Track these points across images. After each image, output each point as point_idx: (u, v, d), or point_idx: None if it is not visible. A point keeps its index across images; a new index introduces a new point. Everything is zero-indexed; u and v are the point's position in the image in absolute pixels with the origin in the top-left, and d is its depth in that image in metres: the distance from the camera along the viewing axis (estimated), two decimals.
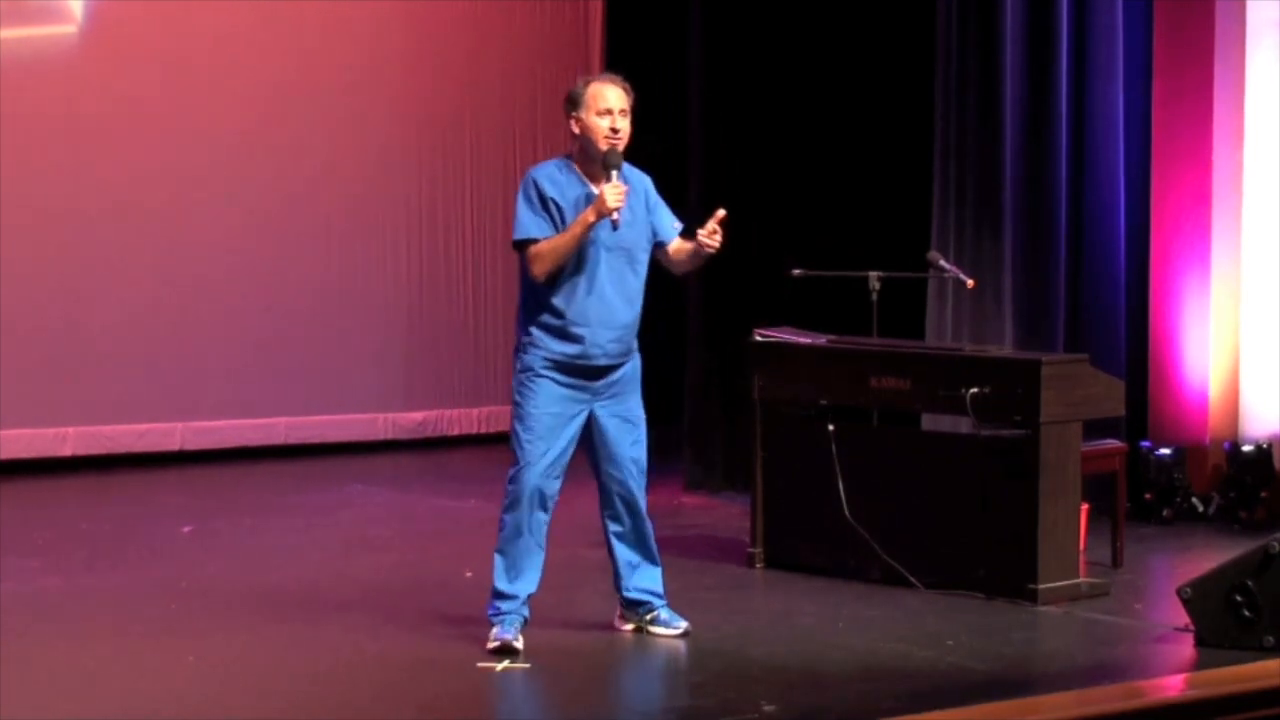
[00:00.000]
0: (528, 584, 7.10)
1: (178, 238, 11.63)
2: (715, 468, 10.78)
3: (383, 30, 12.30)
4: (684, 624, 7.33)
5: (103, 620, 7.64)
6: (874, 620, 7.65)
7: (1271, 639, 7.05)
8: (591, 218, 6.96)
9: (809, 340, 8.74)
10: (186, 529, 9.49)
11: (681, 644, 7.25)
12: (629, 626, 7.38)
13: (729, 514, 9.87)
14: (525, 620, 7.10)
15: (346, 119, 12.18)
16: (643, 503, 7.29)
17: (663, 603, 7.38)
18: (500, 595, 7.10)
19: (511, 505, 7.11)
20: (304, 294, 12.05)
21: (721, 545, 9.09)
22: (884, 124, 10.94)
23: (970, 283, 9.11)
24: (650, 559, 7.37)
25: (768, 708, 6.38)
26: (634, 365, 7.23)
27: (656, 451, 11.97)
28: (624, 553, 7.33)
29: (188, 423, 11.67)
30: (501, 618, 7.07)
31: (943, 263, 9.19)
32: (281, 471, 11.46)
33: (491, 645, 6.98)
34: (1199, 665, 7.08)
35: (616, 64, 12.97)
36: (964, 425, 8.45)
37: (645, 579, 7.37)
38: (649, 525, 7.35)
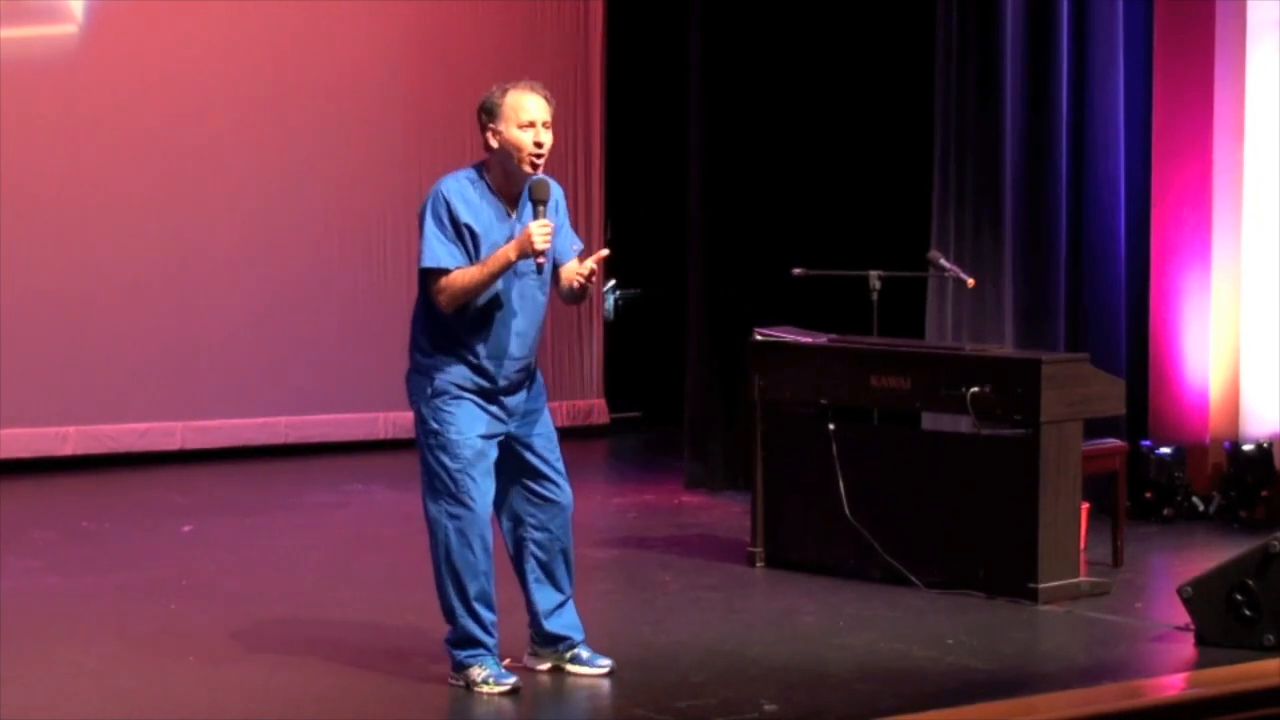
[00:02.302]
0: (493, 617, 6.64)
1: (178, 237, 11.63)
2: (715, 467, 10.77)
3: (383, 30, 12.30)
4: (607, 663, 6.81)
5: (103, 620, 7.64)
6: (874, 620, 7.65)
7: (1272, 638, 7.05)
8: (513, 256, 6.38)
9: (809, 340, 8.74)
10: (186, 529, 9.49)
11: (680, 644, 7.24)
12: (544, 665, 6.84)
13: (729, 514, 9.87)
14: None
15: (346, 119, 12.17)
16: (567, 515, 6.75)
17: (582, 638, 6.84)
18: (475, 642, 6.61)
19: (453, 548, 6.56)
20: (304, 293, 12.04)
21: (721, 545, 9.09)
22: (884, 124, 10.94)
23: (970, 282, 9.11)
24: (570, 590, 6.81)
25: (768, 708, 6.38)
26: (540, 377, 6.78)
27: (657, 451, 12.13)
28: (547, 585, 6.77)
29: (188, 422, 11.66)
30: (483, 657, 6.61)
31: (943, 262, 9.19)
32: (281, 471, 11.46)
33: (501, 688, 6.58)
34: (1199, 665, 7.08)
35: (616, 64, 13.04)
36: (964, 425, 8.46)
37: (569, 611, 6.82)
38: (573, 552, 6.81)
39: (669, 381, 11.85)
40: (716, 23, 10.87)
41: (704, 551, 9.00)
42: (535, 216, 6.46)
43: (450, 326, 6.55)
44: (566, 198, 6.86)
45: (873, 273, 8.90)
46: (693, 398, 10.91)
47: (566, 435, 12.65)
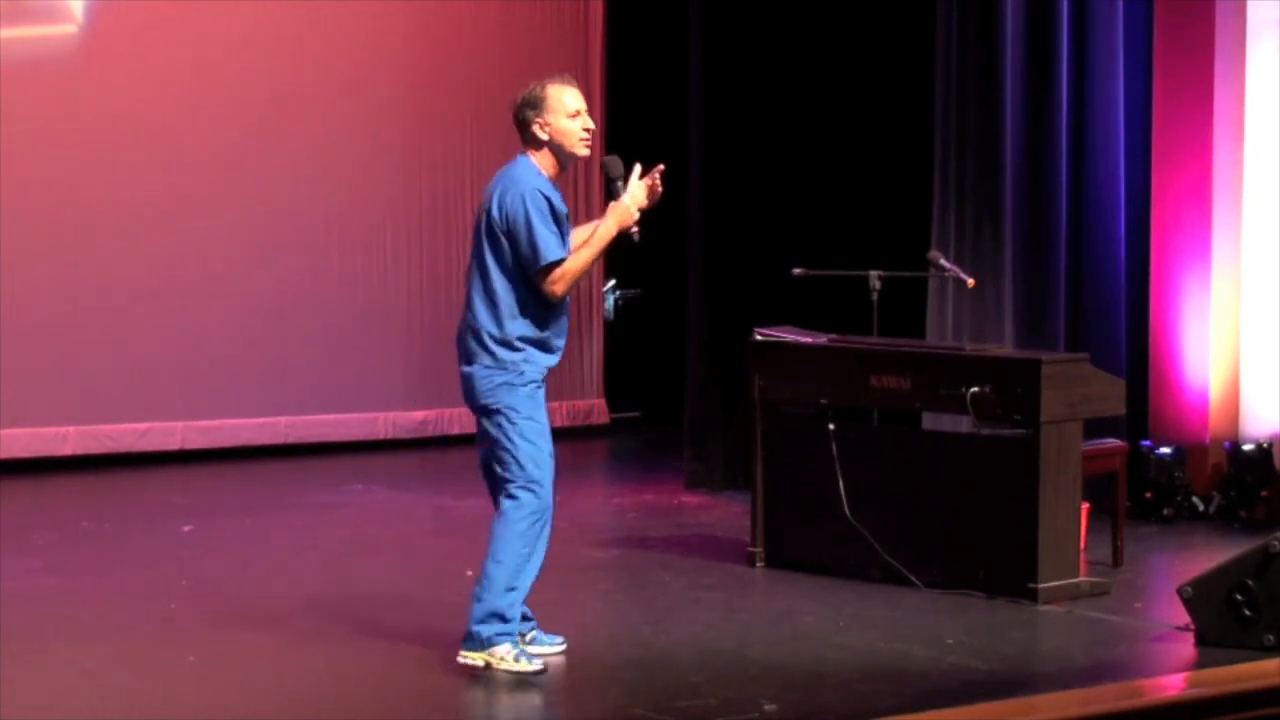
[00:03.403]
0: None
1: (178, 237, 11.63)
2: (715, 467, 10.77)
3: (383, 30, 12.30)
4: (561, 641, 7.08)
5: (103, 620, 7.64)
6: (874, 619, 7.65)
7: (1272, 638, 7.05)
8: (615, 230, 6.81)
9: (809, 339, 8.74)
10: (186, 529, 9.49)
11: (680, 644, 7.24)
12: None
13: (729, 513, 9.87)
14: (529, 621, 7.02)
15: (346, 118, 12.18)
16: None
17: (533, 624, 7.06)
18: (507, 621, 6.85)
19: (531, 526, 6.81)
20: (304, 293, 12.05)
21: (721, 545, 9.09)
22: (884, 124, 10.94)
23: (970, 282, 9.11)
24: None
25: (768, 707, 6.38)
26: None
27: (656, 451, 12.12)
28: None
29: (188, 422, 11.67)
30: (511, 638, 6.85)
31: (943, 262, 9.19)
32: (281, 471, 11.46)
33: (533, 670, 6.79)
34: (1199, 665, 7.08)
35: (617, 64, 13.05)
36: (964, 425, 8.46)
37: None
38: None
39: (669, 381, 11.85)
40: (716, 23, 10.87)
41: (704, 551, 9.00)
42: (614, 193, 6.85)
43: (537, 317, 6.81)
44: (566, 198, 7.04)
45: (873, 273, 8.90)
46: (692, 398, 10.91)
47: (567, 435, 12.77)
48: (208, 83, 11.70)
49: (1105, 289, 10.03)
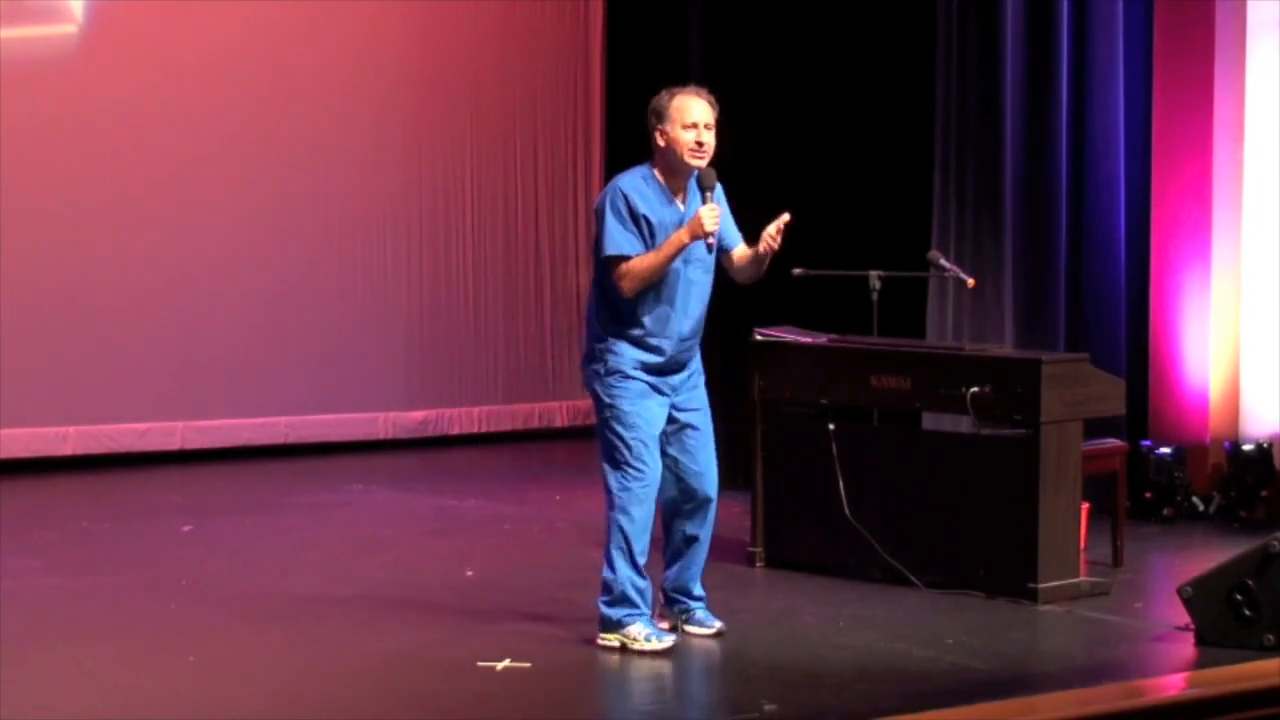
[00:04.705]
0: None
1: (178, 237, 11.63)
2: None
3: (383, 30, 12.30)
4: (717, 624, 7.34)
5: (103, 620, 7.64)
6: (874, 619, 7.65)
7: (1272, 638, 7.05)
8: (686, 239, 6.98)
9: (809, 339, 8.74)
10: (186, 529, 9.49)
11: (681, 643, 7.25)
12: (665, 625, 7.34)
13: (729, 513, 9.82)
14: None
15: (346, 118, 12.17)
16: (711, 500, 7.30)
17: (700, 603, 7.37)
18: (632, 602, 7.06)
19: (628, 508, 7.02)
20: (304, 293, 12.05)
21: (721, 544, 9.04)
22: (884, 124, 10.94)
23: (970, 282, 9.11)
24: (691, 568, 7.36)
25: (768, 707, 6.38)
26: (698, 357, 7.31)
27: None
28: (676, 560, 7.33)
29: (188, 422, 11.66)
30: (640, 616, 7.08)
31: (943, 262, 9.19)
32: (281, 471, 11.45)
33: (657, 645, 7.03)
34: (1199, 665, 7.08)
35: (616, 64, 13.03)
36: (964, 425, 8.46)
37: (688, 581, 7.36)
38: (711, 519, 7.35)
39: None
40: (716, 23, 10.86)
41: None
42: (704, 203, 7.06)
43: (623, 311, 7.08)
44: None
45: (873, 273, 8.89)
46: None
47: (567, 435, 12.80)
48: (207, 83, 11.69)
49: (1105, 289, 10.03)
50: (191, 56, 11.64)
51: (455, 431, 12.60)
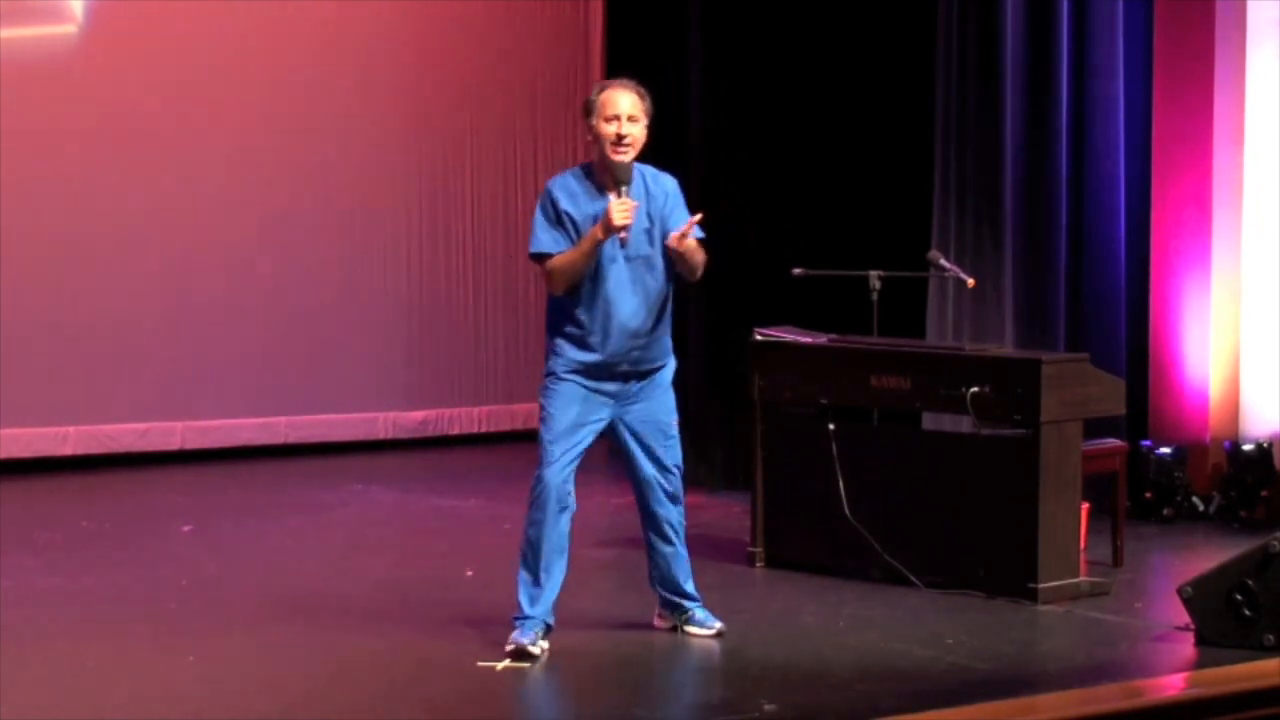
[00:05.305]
0: (548, 597, 7.02)
1: (178, 238, 11.63)
2: (715, 467, 10.77)
3: (382, 31, 12.29)
4: (717, 625, 7.34)
5: (103, 620, 7.64)
6: (874, 619, 7.65)
7: (1272, 638, 7.05)
8: (600, 235, 6.92)
9: (809, 339, 8.74)
10: (186, 529, 9.49)
11: (681, 643, 7.25)
12: (666, 625, 7.39)
13: (729, 513, 9.86)
14: (548, 627, 7.02)
15: (346, 119, 12.17)
16: (673, 504, 7.25)
17: (697, 603, 7.36)
18: (521, 615, 7.02)
19: (534, 507, 7.05)
20: (304, 294, 12.04)
21: (721, 545, 9.08)
22: (884, 123, 10.93)
23: (970, 282, 9.11)
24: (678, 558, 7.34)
25: (768, 707, 6.38)
26: (664, 372, 7.23)
27: None
28: (657, 559, 7.32)
29: (188, 422, 11.66)
30: (522, 623, 7.00)
31: (943, 262, 9.19)
32: (281, 471, 11.45)
33: (507, 648, 6.91)
34: (1199, 665, 7.08)
35: (616, 64, 13.01)
36: (964, 425, 8.45)
37: (675, 580, 7.34)
38: (677, 523, 7.31)
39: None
40: (716, 23, 10.86)
41: (704, 551, 8.98)
42: (617, 196, 6.97)
43: (566, 311, 7.07)
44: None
45: (873, 273, 8.89)
46: (692, 398, 10.90)
47: None
48: (207, 83, 11.69)
49: (1105, 289, 10.02)
50: (191, 57, 11.64)
51: (455, 431, 12.60)
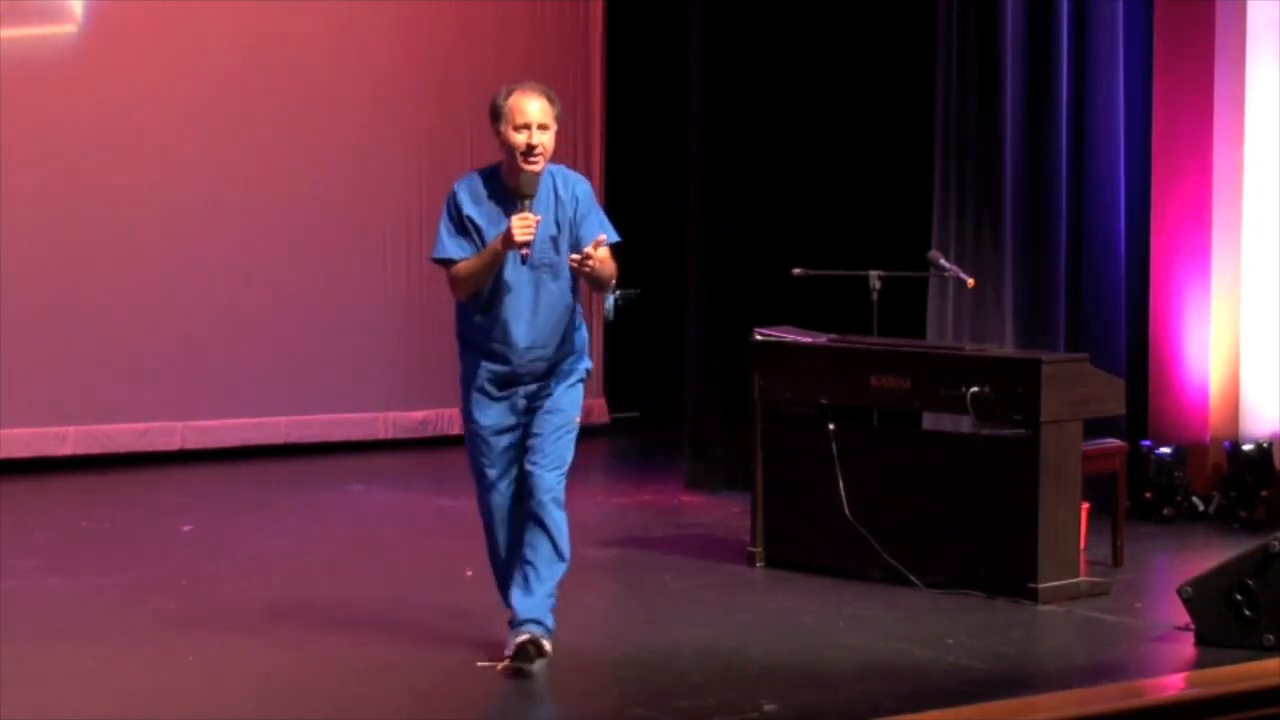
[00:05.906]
0: (531, 588, 6.83)
1: (178, 237, 11.62)
2: (715, 467, 10.77)
3: (381, 31, 12.29)
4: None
5: (103, 620, 7.64)
6: (874, 619, 7.65)
7: (1272, 638, 7.05)
8: (500, 247, 6.67)
9: (809, 339, 8.74)
10: (186, 529, 9.49)
11: (681, 643, 7.25)
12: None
13: (729, 513, 9.86)
14: (547, 629, 6.81)
15: (346, 119, 12.17)
16: (550, 495, 6.82)
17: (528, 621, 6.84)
18: (513, 615, 6.92)
19: (485, 530, 7.04)
20: (304, 293, 12.04)
21: (721, 545, 9.09)
22: (884, 124, 10.94)
23: (970, 282, 9.11)
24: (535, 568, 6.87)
25: (768, 707, 6.38)
26: (566, 367, 6.90)
27: (656, 451, 12.12)
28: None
29: (188, 422, 11.66)
30: (518, 625, 6.88)
31: (943, 262, 9.19)
32: (281, 471, 11.45)
33: (506, 651, 6.80)
34: (1199, 665, 7.08)
35: (617, 64, 13.04)
36: (964, 425, 8.46)
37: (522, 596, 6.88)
38: (555, 527, 6.83)
39: (669, 381, 11.84)
40: (716, 23, 10.86)
41: (704, 551, 9.00)
42: (520, 210, 6.71)
43: (471, 320, 6.88)
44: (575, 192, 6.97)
45: (873, 273, 8.90)
46: (692, 398, 10.91)
47: None
48: (207, 83, 11.69)
49: (1105, 289, 10.02)
50: (191, 56, 11.64)
51: (455, 431, 12.52)
